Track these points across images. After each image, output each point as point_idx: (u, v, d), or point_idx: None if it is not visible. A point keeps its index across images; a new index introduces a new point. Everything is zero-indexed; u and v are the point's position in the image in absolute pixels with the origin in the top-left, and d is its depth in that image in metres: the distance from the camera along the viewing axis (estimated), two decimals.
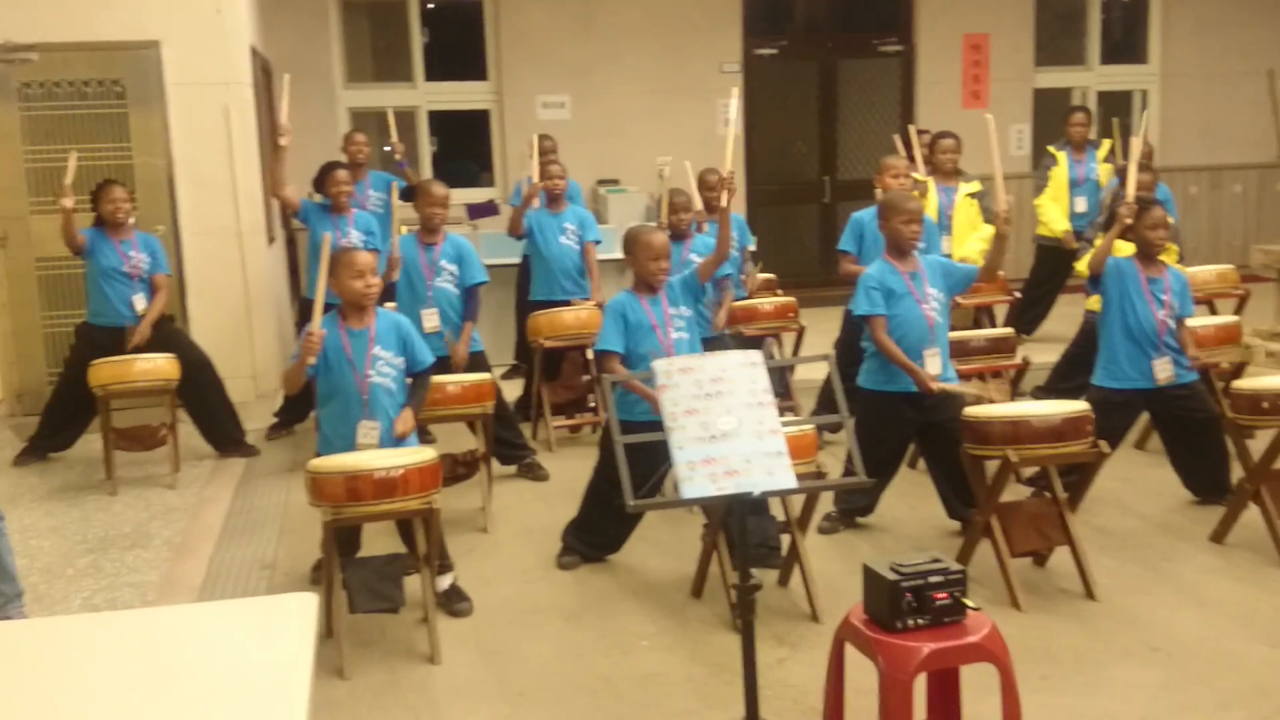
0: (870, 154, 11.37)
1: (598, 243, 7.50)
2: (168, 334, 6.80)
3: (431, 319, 6.10)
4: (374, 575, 4.38)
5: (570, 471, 6.08)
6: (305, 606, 2.53)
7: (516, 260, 8.00)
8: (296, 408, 7.07)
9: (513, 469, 6.42)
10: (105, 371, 6.27)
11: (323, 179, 7.08)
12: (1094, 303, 6.00)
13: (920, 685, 3.14)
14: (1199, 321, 6.02)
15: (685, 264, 6.40)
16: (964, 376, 5.82)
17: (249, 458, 6.86)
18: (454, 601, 4.73)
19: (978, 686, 3.35)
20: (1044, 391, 6.85)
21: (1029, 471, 5.13)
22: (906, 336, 5.09)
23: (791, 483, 3.33)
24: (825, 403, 6.52)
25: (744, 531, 3.46)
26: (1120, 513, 5.63)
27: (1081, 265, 6.59)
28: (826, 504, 5.42)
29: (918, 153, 7.54)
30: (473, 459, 5.73)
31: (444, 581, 4.74)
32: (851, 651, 3.23)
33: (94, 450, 6.68)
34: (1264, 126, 12.30)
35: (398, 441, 4.61)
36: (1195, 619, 4.48)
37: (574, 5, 11.02)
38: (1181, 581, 4.84)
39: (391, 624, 4.55)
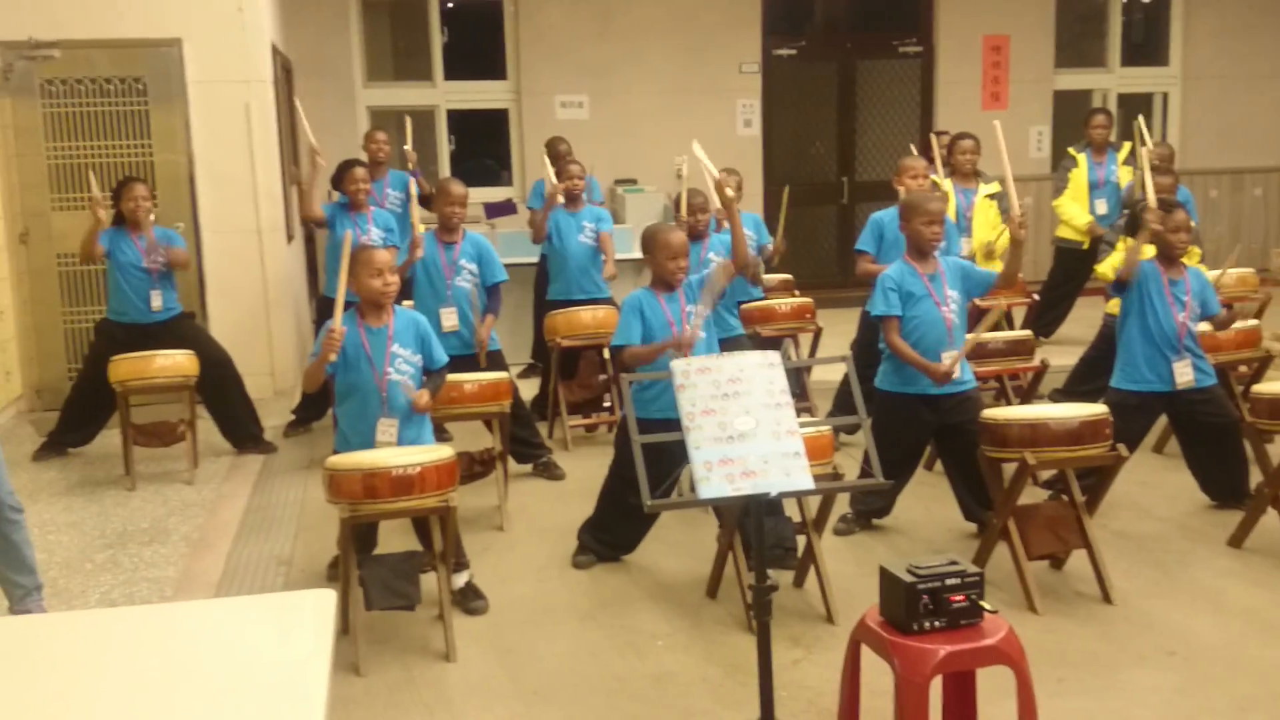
0: (889, 155, 11.36)
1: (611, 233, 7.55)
2: (188, 331, 6.83)
3: (450, 318, 6.11)
4: (390, 572, 4.39)
5: (586, 471, 6.08)
6: (322, 603, 2.53)
7: (534, 259, 8.02)
8: (314, 405, 7.10)
9: (529, 468, 6.43)
10: (125, 367, 6.30)
11: (341, 177, 7.11)
12: (1113, 306, 5.97)
13: (936, 688, 3.14)
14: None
15: (704, 263, 6.40)
16: (981, 379, 5.81)
17: (267, 454, 6.89)
18: (469, 599, 4.74)
19: (994, 690, 3.34)
20: (1062, 394, 6.83)
21: (1046, 474, 5.11)
22: (925, 338, 5.07)
23: (809, 484, 3.32)
24: (842, 404, 6.51)
25: (760, 532, 3.46)
26: (1138, 516, 5.61)
27: (1103, 269, 6.57)
28: (843, 505, 5.42)
29: (937, 157, 7.52)
30: (489, 457, 5.74)
31: (460, 579, 4.75)
32: (867, 653, 3.23)
33: (113, 446, 6.71)
34: None
35: (416, 417, 4.63)
36: (1213, 623, 4.46)
37: (593, 5, 11.03)
38: (1199, 586, 4.82)
39: (407, 621, 4.56)
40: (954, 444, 5.19)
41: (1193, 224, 5.81)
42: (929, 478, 5.99)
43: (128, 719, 2.15)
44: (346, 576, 4.32)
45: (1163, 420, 5.95)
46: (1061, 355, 7.38)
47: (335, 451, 4.60)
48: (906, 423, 5.16)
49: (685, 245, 5.07)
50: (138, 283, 6.61)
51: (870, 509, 5.48)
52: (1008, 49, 11.77)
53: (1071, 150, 8.90)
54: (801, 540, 4.72)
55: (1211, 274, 5.99)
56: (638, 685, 4.11)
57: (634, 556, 5.21)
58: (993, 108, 11.66)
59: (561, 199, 7.36)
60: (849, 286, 10.66)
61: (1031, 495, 5.05)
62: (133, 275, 6.59)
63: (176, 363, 6.40)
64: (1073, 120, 10.84)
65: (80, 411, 6.84)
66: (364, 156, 7.80)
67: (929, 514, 5.69)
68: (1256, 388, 5.34)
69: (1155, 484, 6.02)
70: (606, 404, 7.13)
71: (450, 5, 11.17)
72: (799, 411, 4.57)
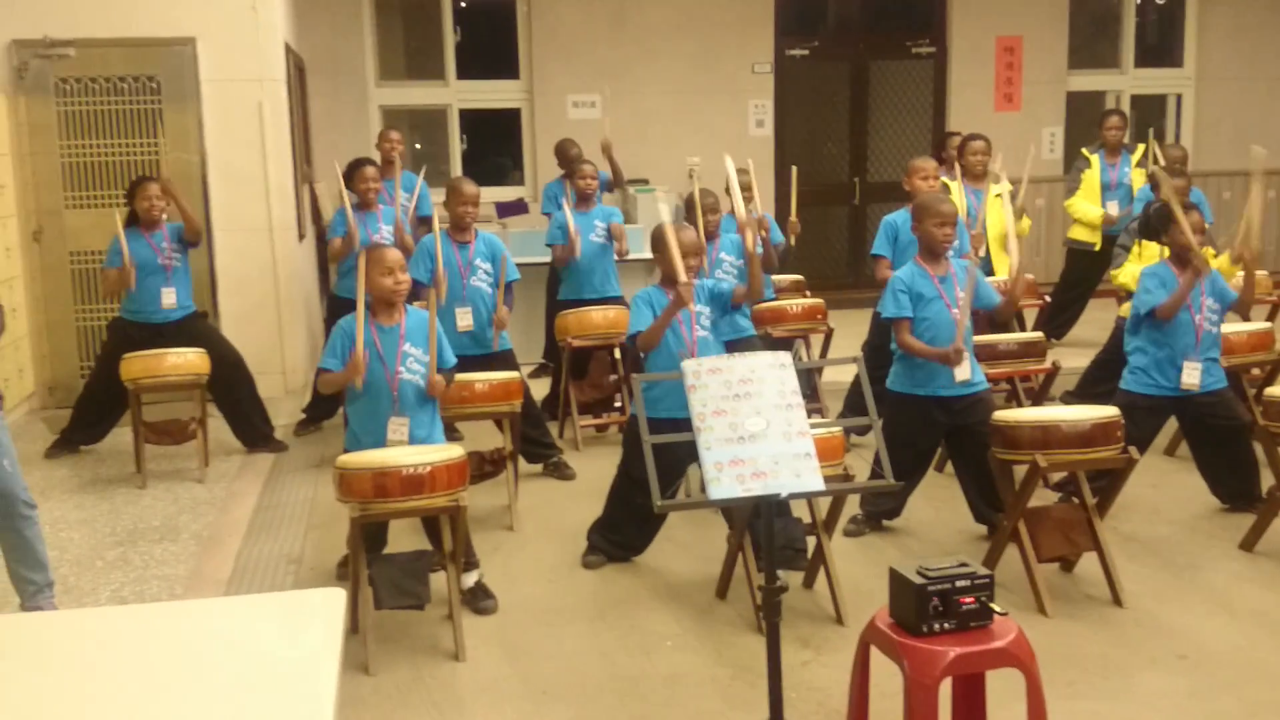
0: (901, 156, 11.34)
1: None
2: (200, 330, 6.85)
3: (466, 317, 6.11)
4: (400, 572, 4.39)
5: (596, 471, 6.08)
6: (332, 602, 2.54)
7: (546, 259, 8.03)
8: (325, 404, 7.11)
9: (539, 468, 6.44)
10: (136, 366, 6.32)
11: (351, 175, 7.12)
12: (1126, 309, 5.94)
13: (945, 690, 3.13)
14: (1231, 328, 5.96)
15: (715, 263, 6.40)
16: (992, 380, 5.80)
17: (277, 453, 6.90)
18: (479, 599, 4.74)
19: (1003, 692, 3.33)
20: (1074, 396, 6.81)
21: (1057, 476, 5.09)
22: (936, 339, 5.06)
23: (819, 485, 3.32)
24: (853, 405, 6.50)
25: (770, 533, 3.46)
26: (1149, 519, 5.59)
27: (1123, 278, 6.54)
28: (853, 506, 5.41)
29: (957, 166, 7.48)
30: (500, 457, 5.74)
31: (469, 579, 4.75)
32: (876, 655, 3.22)
33: (124, 444, 6.74)
34: None
35: (428, 416, 4.66)
36: (1224, 627, 4.45)
37: (606, 5, 11.03)
38: (1210, 589, 4.80)
39: (416, 621, 4.57)
40: (965, 446, 5.17)
41: (1206, 226, 5.78)
42: (939, 479, 5.98)
43: (137, 716, 2.15)
44: (356, 575, 4.33)
45: (1174, 422, 5.94)
46: (1073, 357, 7.36)
47: (346, 450, 4.61)
48: (918, 424, 5.15)
49: (696, 243, 5.06)
50: (152, 280, 6.62)
51: (880, 510, 5.47)
52: (1021, 50, 11.73)
53: (1085, 151, 8.87)
54: (811, 541, 4.72)
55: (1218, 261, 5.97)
56: (647, 686, 4.11)
57: (643, 557, 5.21)
58: (1005, 109, 11.64)
59: (568, 205, 7.43)
60: (860, 287, 10.68)
61: (1042, 497, 5.04)
62: (147, 273, 6.60)
63: (188, 361, 6.41)
64: (1086, 122, 10.81)
65: (92, 409, 6.87)
66: (376, 156, 7.83)
67: (939, 516, 5.68)
68: (1269, 391, 5.31)
69: (1166, 487, 6.01)
70: (617, 404, 7.14)
71: (463, 4, 11.18)
72: (810, 412, 4.57)
